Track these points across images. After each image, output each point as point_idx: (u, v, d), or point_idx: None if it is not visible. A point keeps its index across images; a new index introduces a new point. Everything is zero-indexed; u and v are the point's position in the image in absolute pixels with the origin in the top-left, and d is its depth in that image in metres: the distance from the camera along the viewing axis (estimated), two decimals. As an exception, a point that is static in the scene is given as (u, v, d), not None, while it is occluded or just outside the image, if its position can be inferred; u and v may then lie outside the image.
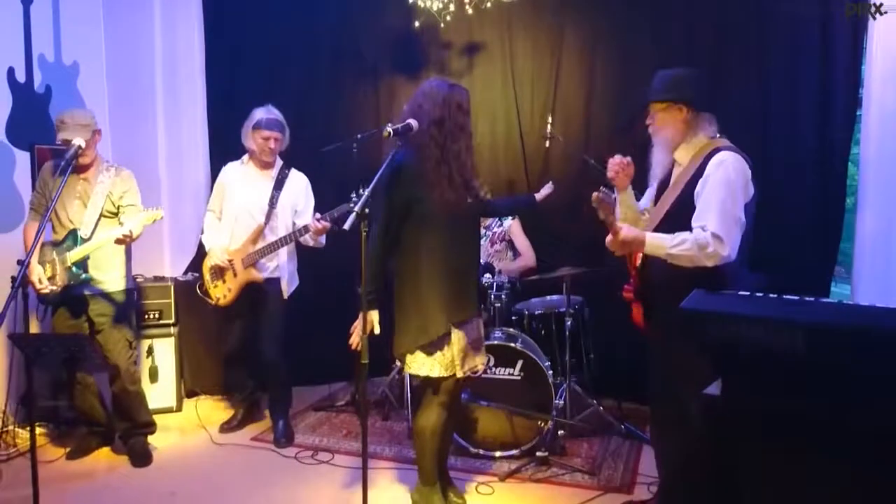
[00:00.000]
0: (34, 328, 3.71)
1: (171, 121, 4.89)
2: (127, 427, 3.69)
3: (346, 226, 2.41)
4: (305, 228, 3.70)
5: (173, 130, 4.89)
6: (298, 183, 3.94)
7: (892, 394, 1.40)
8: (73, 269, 3.43)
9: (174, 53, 4.86)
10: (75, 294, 3.51)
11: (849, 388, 1.44)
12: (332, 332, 4.54)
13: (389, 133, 2.60)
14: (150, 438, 3.77)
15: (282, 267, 3.88)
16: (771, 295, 1.61)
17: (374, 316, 2.79)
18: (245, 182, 3.90)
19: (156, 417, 3.85)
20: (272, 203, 3.84)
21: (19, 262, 2.92)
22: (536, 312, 4.04)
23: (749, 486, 1.62)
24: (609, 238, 2.57)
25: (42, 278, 3.41)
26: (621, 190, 2.84)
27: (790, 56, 4.00)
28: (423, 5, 3.99)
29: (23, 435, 3.77)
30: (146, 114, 4.84)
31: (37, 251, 3.40)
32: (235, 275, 3.82)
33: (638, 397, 4.02)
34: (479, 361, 2.95)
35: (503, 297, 3.96)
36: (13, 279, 2.69)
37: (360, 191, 3.62)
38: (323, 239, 3.81)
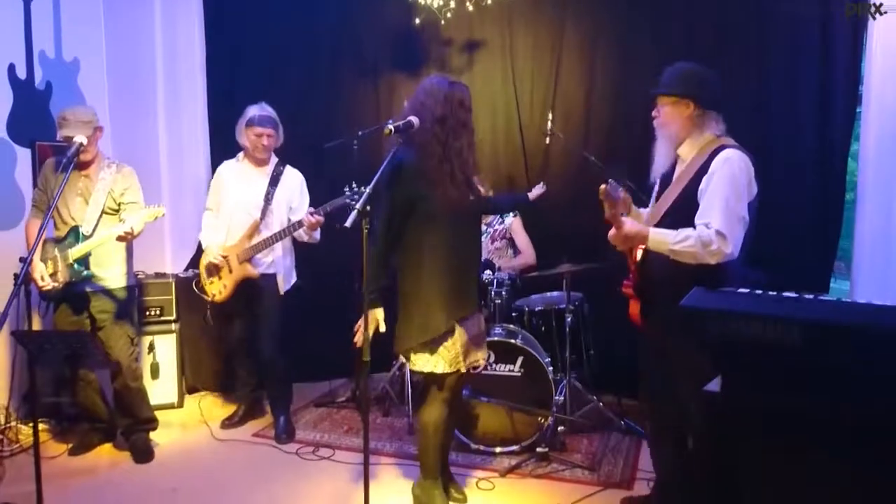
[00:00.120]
0: (36, 325, 3.73)
1: (171, 117, 4.89)
2: (129, 423, 3.70)
3: (348, 223, 2.41)
4: (299, 223, 3.72)
5: (174, 127, 4.89)
6: (294, 179, 3.95)
7: (890, 391, 1.41)
8: (75, 265, 3.44)
9: (174, 49, 4.86)
10: (77, 291, 3.52)
11: (847, 386, 1.45)
12: (333, 329, 4.57)
13: (390, 130, 2.60)
14: (152, 435, 3.79)
15: (277, 262, 3.90)
16: (770, 292, 1.62)
17: (378, 314, 2.80)
18: (241, 179, 3.91)
19: (157, 414, 3.86)
20: (267, 199, 3.86)
21: (21, 260, 2.92)
22: (536, 309, 4.05)
23: (749, 483, 1.63)
24: (612, 232, 2.56)
25: (44, 275, 3.41)
26: (627, 215, 2.82)
27: (790, 56, 4.01)
28: (423, 3, 4.00)
29: (25, 431, 3.79)
30: (147, 110, 4.84)
31: (39, 248, 3.40)
32: (231, 271, 3.84)
33: (637, 393, 4.03)
34: (481, 356, 2.97)
35: (503, 293, 3.97)
36: (16, 276, 2.70)
37: (354, 185, 3.66)
38: (317, 234, 3.83)
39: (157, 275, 4.51)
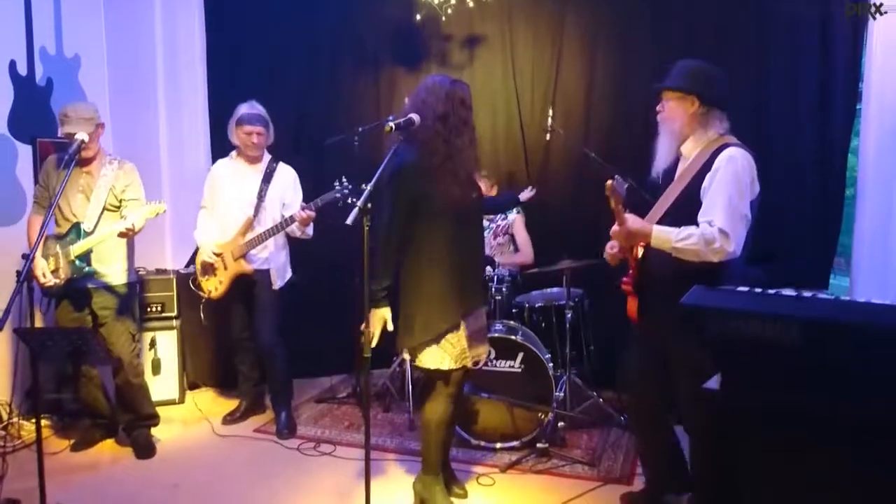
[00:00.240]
0: (38, 322, 3.73)
1: (172, 112, 4.89)
2: (130, 419, 3.72)
3: (349, 221, 2.41)
4: (291, 218, 3.73)
5: (174, 122, 4.90)
6: (287, 176, 3.97)
7: (888, 390, 1.42)
8: (77, 262, 3.45)
9: (175, 44, 4.86)
10: (78, 287, 3.53)
11: (846, 384, 1.46)
12: (333, 325, 4.60)
13: (391, 128, 2.61)
14: (154, 430, 3.80)
15: (271, 258, 3.92)
16: (769, 291, 1.63)
17: (386, 313, 2.80)
18: (234, 177, 3.94)
19: (159, 409, 3.87)
20: (260, 196, 3.88)
21: (24, 257, 2.93)
22: (537, 305, 4.06)
23: (748, 481, 1.64)
24: (614, 228, 2.57)
25: (46, 272, 3.42)
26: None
27: (790, 56, 4.02)
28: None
29: (28, 427, 3.80)
30: (147, 106, 4.85)
31: (41, 245, 3.41)
32: (226, 268, 3.87)
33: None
34: (483, 351, 2.99)
35: (504, 289, 3.98)
36: (18, 273, 2.71)
37: (344, 180, 3.68)
38: (310, 230, 3.85)
39: (158, 271, 4.53)
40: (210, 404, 4.43)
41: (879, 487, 1.48)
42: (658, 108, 2.70)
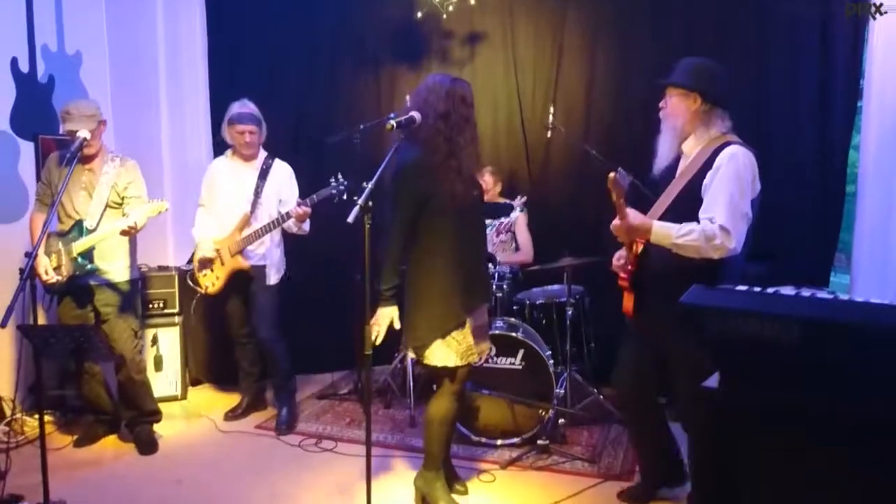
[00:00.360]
0: (41, 318, 3.75)
1: (173, 109, 4.90)
2: (133, 415, 3.73)
3: (350, 219, 2.42)
4: (288, 215, 3.75)
5: (176, 119, 4.91)
6: (282, 173, 3.99)
7: (887, 389, 1.43)
8: (79, 259, 3.46)
9: (176, 41, 4.87)
10: (81, 284, 3.54)
11: (845, 384, 1.47)
12: (335, 322, 4.61)
13: (392, 126, 2.61)
14: (156, 426, 3.82)
15: (268, 254, 3.94)
16: (768, 290, 1.63)
17: (394, 312, 2.80)
18: (231, 175, 3.96)
19: (161, 406, 3.89)
20: (257, 192, 3.90)
21: (27, 255, 2.95)
22: (537, 302, 4.07)
23: (747, 480, 1.65)
24: (615, 222, 2.57)
25: (48, 269, 3.43)
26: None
27: (790, 55, 4.03)
28: (425, -3, 4.00)
29: (31, 423, 3.81)
30: (149, 103, 4.85)
31: (43, 242, 3.42)
32: (223, 263, 3.89)
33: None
34: (485, 348, 3.00)
35: (504, 286, 3.99)
36: (21, 271, 2.72)
37: (339, 177, 3.69)
38: (307, 225, 3.86)
39: (160, 268, 4.55)
40: (212, 400, 4.45)
41: (878, 487, 1.49)
42: (661, 104, 2.70)
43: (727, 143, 2.53)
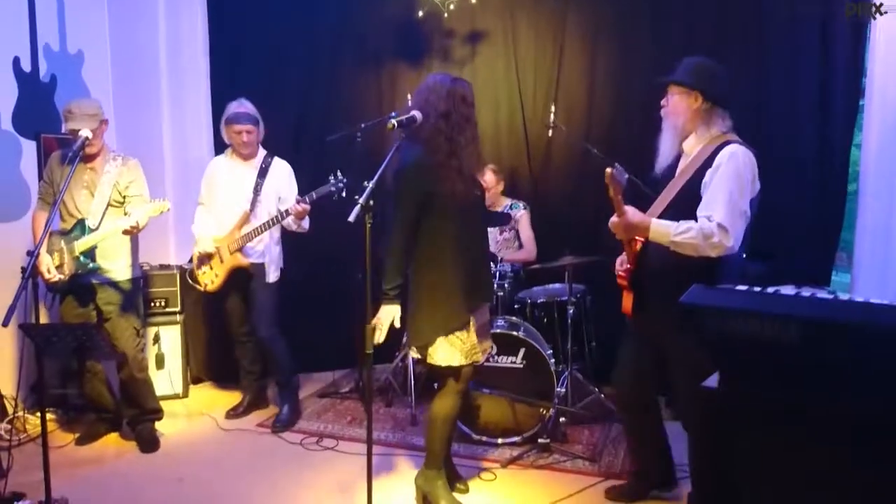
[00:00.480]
0: (43, 317, 3.75)
1: (175, 108, 4.91)
2: (135, 413, 3.74)
3: (351, 218, 2.43)
4: (287, 212, 3.76)
5: (178, 118, 4.91)
6: (282, 171, 4.00)
7: (887, 389, 1.43)
8: (81, 258, 3.47)
9: (178, 39, 4.87)
10: (83, 283, 3.55)
11: (844, 384, 1.47)
12: (336, 320, 4.61)
13: (394, 125, 2.62)
14: (158, 424, 3.83)
15: (266, 252, 3.95)
16: (768, 290, 1.63)
17: (396, 311, 2.80)
18: (230, 173, 3.97)
19: (163, 404, 3.90)
20: (256, 190, 3.91)
21: (29, 253, 2.95)
22: (539, 301, 4.08)
23: (747, 480, 1.65)
24: (613, 219, 2.57)
25: (50, 267, 3.44)
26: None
27: (790, 54, 4.03)
28: (427, -5, 4.00)
29: (33, 421, 3.84)
30: (151, 102, 4.86)
31: (45, 241, 3.43)
32: (222, 261, 3.90)
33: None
34: (486, 346, 3.01)
35: (506, 285, 4.00)
36: (23, 270, 2.73)
37: (339, 174, 3.69)
38: (306, 223, 3.87)
39: (162, 266, 4.55)
40: (213, 399, 4.46)
41: (877, 486, 1.49)
42: (662, 102, 2.71)
43: (727, 142, 2.53)
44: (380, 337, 2.76)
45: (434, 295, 2.81)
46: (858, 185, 3.93)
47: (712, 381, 1.70)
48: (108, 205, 3.52)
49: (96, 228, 3.48)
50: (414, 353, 2.99)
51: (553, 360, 3.63)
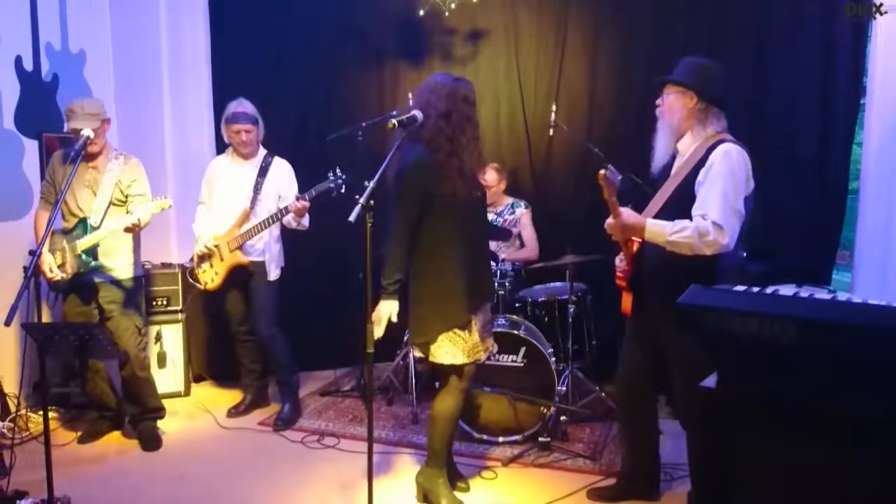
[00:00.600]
0: (45, 315, 3.76)
1: (177, 107, 4.91)
2: (136, 412, 3.75)
3: (351, 217, 2.43)
4: (286, 209, 3.76)
5: (179, 117, 4.91)
6: (282, 169, 4.01)
7: (886, 389, 1.43)
8: (83, 256, 3.48)
9: (179, 39, 4.87)
10: (85, 281, 3.56)
11: (844, 384, 1.48)
12: (337, 319, 4.62)
13: (394, 124, 2.63)
14: (159, 423, 3.84)
15: (266, 249, 3.95)
16: (767, 290, 1.64)
17: (394, 306, 2.81)
18: (230, 172, 3.99)
19: (164, 402, 3.91)
20: (256, 189, 3.92)
21: (31, 252, 2.96)
22: (539, 300, 4.08)
23: (746, 480, 1.65)
24: (609, 220, 2.58)
25: (52, 266, 3.45)
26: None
27: (790, 53, 4.02)
28: (428, -6, 4.00)
29: (35, 420, 3.85)
30: (152, 101, 4.86)
31: (48, 240, 3.44)
32: (222, 259, 3.91)
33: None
34: (489, 344, 3.02)
35: (507, 284, 4.00)
36: (25, 269, 2.73)
37: (338, 171, 3.69)
38: (306, 221, 3.88)
39: (164, 265, 4.56)
40: (215, 397, 4.47)
41: (877, 487, 1.50)
42: (658, 101, 2.71)
43: (721, 141, 2.54)
44: (378, 332, 2.76)
45: (436, 293, 2.82)
46: (860, 183, 3.93)
47: (711, 380, 1.71)
48: (110, 203, 3.53)
49: (98, 227, 3.49)
50: (416, 352, 3.00)
51: (554, 359, 3.64)
